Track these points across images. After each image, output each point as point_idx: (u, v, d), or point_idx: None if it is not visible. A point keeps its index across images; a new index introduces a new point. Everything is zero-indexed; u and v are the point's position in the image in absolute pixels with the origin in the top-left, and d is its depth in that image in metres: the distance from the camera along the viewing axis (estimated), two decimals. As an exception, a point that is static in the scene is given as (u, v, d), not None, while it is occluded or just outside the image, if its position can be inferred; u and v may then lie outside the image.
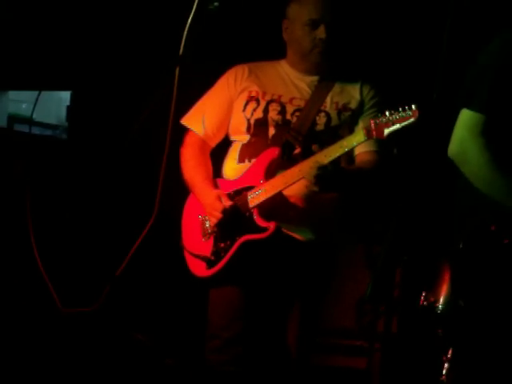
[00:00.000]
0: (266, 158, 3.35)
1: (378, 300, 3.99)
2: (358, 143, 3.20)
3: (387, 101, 3.48)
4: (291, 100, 3.44)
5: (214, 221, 3.33)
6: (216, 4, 3.14)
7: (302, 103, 3.43)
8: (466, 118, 2.82)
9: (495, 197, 2.74)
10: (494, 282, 2.70)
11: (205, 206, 3.39)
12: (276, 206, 3.30)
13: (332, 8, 3.43)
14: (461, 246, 2.80)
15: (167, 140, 3.28)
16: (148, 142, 3.73)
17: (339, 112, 3.43)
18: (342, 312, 4.27)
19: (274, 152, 3.35)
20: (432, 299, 3.25)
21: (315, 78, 3.49)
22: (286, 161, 3.34)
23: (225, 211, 3.30)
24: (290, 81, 3.51)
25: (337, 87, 3.48)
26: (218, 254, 3.34)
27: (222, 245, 3.34)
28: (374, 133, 3.13)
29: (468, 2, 2.87)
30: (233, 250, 3.30)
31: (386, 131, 3.11)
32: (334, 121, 3.42)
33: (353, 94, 3.49)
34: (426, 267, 3.69)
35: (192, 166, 3.51)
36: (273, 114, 3.41)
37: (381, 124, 3.12)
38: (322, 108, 3.43)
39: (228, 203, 3.32)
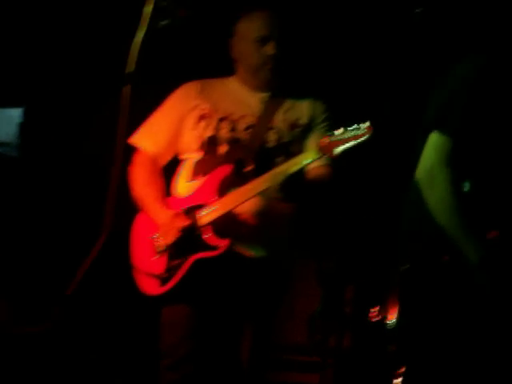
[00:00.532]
0: (218, 175, 3.34)
1: (329, 316, 4.00)
2: (311, 160, 3.22)
3: (338, 117, 3.51)
4: (242, 117, 3.43)
5: (172, 239, 3.29)
6: (167, 21, 3.14)
7: (253, 120, 3.43)
8: (437, 143, 2.83)
9: (448, 231, 2.77)
10: (437, 300, 2.74)
11: (161, 225, 3.35)
12: (228, 224, 3.29)
13: (281, 24, 3.45)
14: (405, 266, 2.84)
15: (117, 157, 3.25)
16: (99, 159, 3.70)
17: (290, 128, 3.44)
18: (294, 328, 4.27)
19: (226, 169, 3.34)
20: (383, 315, 3.28)
21: (266, 95, 3.50)
22: (238, 178, 3.33)
23: (183, 230, 3.28)
24: (240, 98, 3.51)
25: (287, 103, 3.49)
26: (171, 270, 3.31)
27: (176, 262, 3.31)
28: (327, 151, 3.16)
29: (418, 18, 2.91)
30: (185, 268, 3.28)
31: (339, 149, 3.14)
32: (286, 137, 3.42)
33: (303, 110, 3.50)
34: (377, 284, 3.72)
35: (144, 185, 3.47)
36: (224, 132, 3.40)
37: (333, 142, 3.15)
38: (273, 125, 3.44)
39: (186, 222, 3.29)
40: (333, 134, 3.16)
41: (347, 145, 3.13)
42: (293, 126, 3.45)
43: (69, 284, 3.29)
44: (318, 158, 3.21)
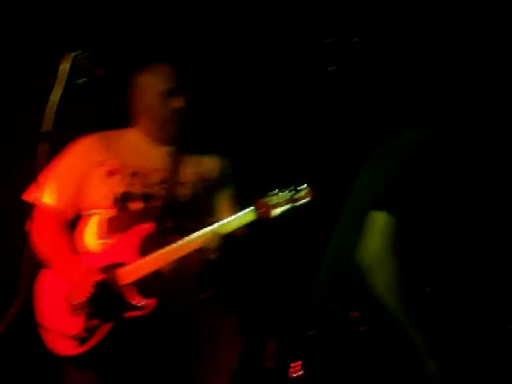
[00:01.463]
0: (139, 233, 3.28)
1: (250, 371, 3.98)
2: (246, 223, 3.19)
3: (244, 173, 3.54)
4: (153, 172, 3.38)
5: (86, 296, 3.20)
6: (84, 79, 3.13)
7: (164, 175, 3.38)
8: (385, 224, 2.83)
9: (393, 312, 2.79)
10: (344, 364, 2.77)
11: (73, 282, 3.24)
12: (151, 282, 3.21)
13: (188, 77, 3.43)
14: (315, 331, 2.86)
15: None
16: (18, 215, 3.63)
17: (202, 182, 3.43)
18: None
19: (147, 227, 3.28)
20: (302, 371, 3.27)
21: (171, 149, 3.45)
22: (159, 236, 3.28)
23: (97, 286, 3.20)
24: (146, 151, 3.43)
25: (194, 158, 3.47)
26: (91, 330, 3.20)
27: (94, 322, 3.20)
28: (265, 213, 3.15)
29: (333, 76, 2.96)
30: (106, 328, 3.19)
31: (274, 213, 3.14)
32: (199, 191, 3.40)
33: (211, 164, 3.49)
34: (298, 338, 3.73)
35: (50, 242, 3.35)
36: (137, 188, 3.33)
37: (269, 205, 3.15)
38: (185, 179, 3.41)
39: (100, 277, 3.21)
40: (270, 195, 3.16)
41: (285, 207, 3.13)
42: (204, 180, 3.44)
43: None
44: (256, 220, 3.18)
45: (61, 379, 3.34)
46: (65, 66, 3.07)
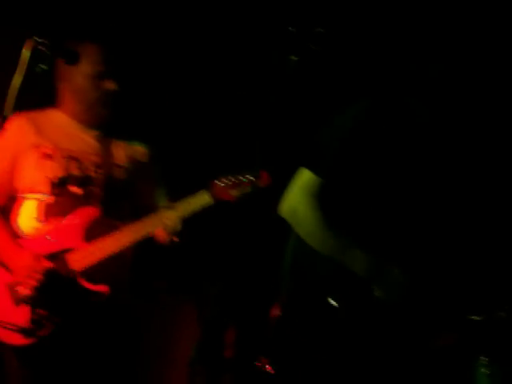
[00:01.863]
0: (83, 217, 3.23)
1: (208, 360, 3.98)
2: (205, 205, 3.18)
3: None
4: (85, 155, 3.34)
5: (33, 284, 3.08)
6: (43, 67, 3.11)
7: (97, 159, 3.36)
8: (304, 179, 2.89)
9: (325, 253, 2.83)
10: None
11: (18, 269, 3.12)
12: (100, 269, 3.17)
13: (118, 58, 3.40)
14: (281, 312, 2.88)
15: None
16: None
17: (134, 166, 3.43)
18: (175, 374, 4.23)
19: (92, 212, 3.25)
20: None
21: (98, 132, 3.43)
22: (103, 220, 3.26)
23: (47, 274, 3.11)
24: (77, 134, 3.40)
25: (122, 142, 3.46)
26: (38, 322, 3.10)
27: (43, 312, 3.11)
28: (223, 196, 3.16)
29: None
30: (59, 318, 3.11)
31: (234, 193, 3.15)
32: (132, 175, 3.41)
33: (140, 149, 3.50)
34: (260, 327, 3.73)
35: None
36: (75, 172, 3.29)
37: (227, 187, 3.15)
38: (119, 163, 3.40)
39: (48, 264, 3.13)
40: (227, 178, 3.16)
41: (244, 189, 3.14)
42: (135, 163, 3.44)
43: None
44: (213, 203, 3.18)
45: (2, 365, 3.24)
46: (26, 52, 3.01)
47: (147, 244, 3.26)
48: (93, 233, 3.21)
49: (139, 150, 3.50)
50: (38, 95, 3.51)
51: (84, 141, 3.38)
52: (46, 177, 3.27)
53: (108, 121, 3.43)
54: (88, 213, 3.24)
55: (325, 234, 2.84)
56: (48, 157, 3.30)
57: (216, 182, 3.18)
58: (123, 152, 3.44)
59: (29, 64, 2.97)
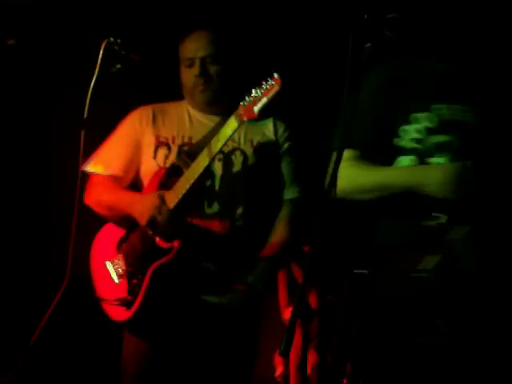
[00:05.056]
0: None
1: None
2: (232, 131, 3.11)
3: (302, 135, 3.42)
4: (201, 142, 3.30)
5: (166, 219, 3.15)
6: (119, 66, 3.14)
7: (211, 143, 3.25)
8: (346, 157, 2.60)
9: (396, 190, 2.64)
10: None
11: (152, 207, 3.17)
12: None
13: (210, 42, 3.30)
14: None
15: (76, 199, 3.21)
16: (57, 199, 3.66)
17: (254, 149, 3.32)
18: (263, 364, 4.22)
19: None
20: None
21: (219, 117, 3.35)
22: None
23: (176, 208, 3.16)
24: (196, 121, 3.38)
25: (247, 124, 3.25)
26: (133, 291, 3.22)
27: (135, 281, 3.22)
28: (245, 116, 3.06)
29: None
30: (146, 283, 3.18)
31: (256, 109, 3.03)
32: (251, 159, 3.31)
33: (265, 129, 3.37)
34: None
35: (111, 192, 3.33)
36: (186, 158, 3.27)
37: (249, 105, 3.05)
38: (237, 146, 3.32)
39: (176, 199, 3.17)
40: (246, 97, 3.06)
41: (262, 102, 3.01)
42: (257, 146, 3.32)
43: (32, 334, 3.25)
44: (239, 126, 3.10)
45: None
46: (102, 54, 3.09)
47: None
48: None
49: (268, 130, 3.37)
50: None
51: (204, 126, 3.36)
52: (159, 166, 3.32)
53: (225, 105, 3.34)
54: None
55: (390, 172, 2.72)
56: (161, 145, 3.34)
57: (240, 104, 3.07)
58: (246, 136, 3.33)
59: (103, 65, 3.05)
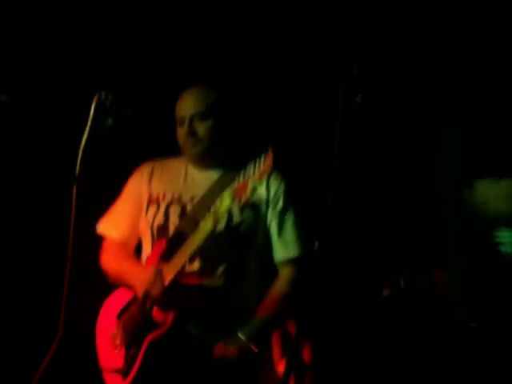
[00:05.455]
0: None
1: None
2: (226, 209, 3.11)
3: (295, 190, 3.37)
4: (192, 199, 3.31)
5: (159, 293, 3.16)
6: (110, 121, 3.13)
7: (204, 201, 3.30)
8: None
9: None
10: None
11: (146, 282, 3.20)
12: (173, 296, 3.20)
13: (199, 100, 3.31)
14: None
15: (68, 255, 3.16)
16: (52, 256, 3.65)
17: (242, 208, 3.26)
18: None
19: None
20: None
21: (216, 173, 3.34)
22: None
23: (170, 284, 3.19)
24: (190, 178, 3.38)
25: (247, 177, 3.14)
26: (129, 361, 3.24)
27: (133, 351, 3.24)
28: (237, 196, 3.05)
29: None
30: (141, 355, 3.21)
31: (249, 191, 3.03)
32: (236, 218, 3.26)
33: (257, 189, 3.19)
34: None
35: (117, 261, 3.41)
36: (174, 218, 3.30)
37: (243, 184, 3.05)
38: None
39: (170, 275, 3.18)
40: (241, 175, 3.07)
41: (255, 181, 3.02)
42: (244, 204, 3.22)
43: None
44: (233, 203, 3.09)
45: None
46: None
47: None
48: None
49: (261, 190, 3.28)
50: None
51: (195, 184, 3.36)
52: (148, 225, 3.36)
53: (222, 162, 3.36)
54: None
55: None
56: (152, 202, 3.37)
57: (236, 181, 3.08)
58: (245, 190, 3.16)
59: (94, 120, 3.04)
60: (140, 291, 3.24)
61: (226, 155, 3.35)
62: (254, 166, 3.03)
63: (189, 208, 3.31)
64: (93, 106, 3.07)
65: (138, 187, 3.45)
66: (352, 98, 2.77)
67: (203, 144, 3.31)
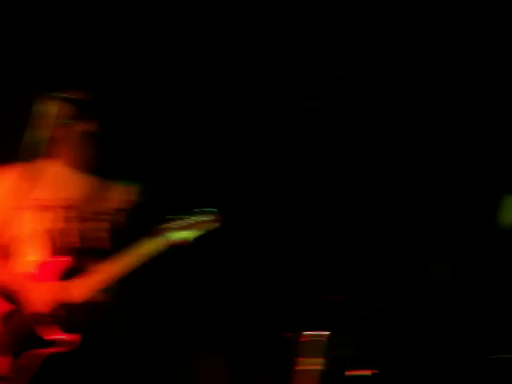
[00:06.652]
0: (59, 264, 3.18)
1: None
2: (156, 249, 3.12)
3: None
4: (77, 202, 3.22)
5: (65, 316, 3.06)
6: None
7: (88, 205, 3.23)
8: None
9: None
10: None
11: (36, 298, 3.07)
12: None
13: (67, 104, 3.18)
14: None
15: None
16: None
17: (115, 212, 3.26)
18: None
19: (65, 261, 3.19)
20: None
21: (87, 176, 3.28)
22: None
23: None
24: (70, 182, 3.25)
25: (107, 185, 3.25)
26: (19, 371, 3.05)
27: (24, 362, 3.06)
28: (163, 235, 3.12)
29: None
30: (34, 368, 3.06)
31: (175, 235, 3.11)
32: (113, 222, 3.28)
33: (120, 192, 3.30)
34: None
35: None
36: (66, 223, 3.20)
37: (169, 227, 3.12)
38: (98, 209, 3.27)
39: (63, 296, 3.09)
40: (172, 220, 3.12)
41: (185, 232, 3.11)
42: (116, 210, 3.26)
43: None
44: (160, 244, 3.11)
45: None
46: (38, 107, 3.01)
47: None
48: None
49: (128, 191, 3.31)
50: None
51: (76, 187, 3.25)
52: (33, 230, 3.18)
53: (93, 163, 3.29)
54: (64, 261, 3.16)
55: None
56: (42, 209, 3.20)
57: (164, 223, 3.13)
58: (116, 195, 3.27)
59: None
60: (46, 307, 3.09)
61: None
62: (197, 216, 3.12)
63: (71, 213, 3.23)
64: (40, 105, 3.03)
65: (8, 193, 3.20)
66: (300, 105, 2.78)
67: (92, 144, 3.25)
